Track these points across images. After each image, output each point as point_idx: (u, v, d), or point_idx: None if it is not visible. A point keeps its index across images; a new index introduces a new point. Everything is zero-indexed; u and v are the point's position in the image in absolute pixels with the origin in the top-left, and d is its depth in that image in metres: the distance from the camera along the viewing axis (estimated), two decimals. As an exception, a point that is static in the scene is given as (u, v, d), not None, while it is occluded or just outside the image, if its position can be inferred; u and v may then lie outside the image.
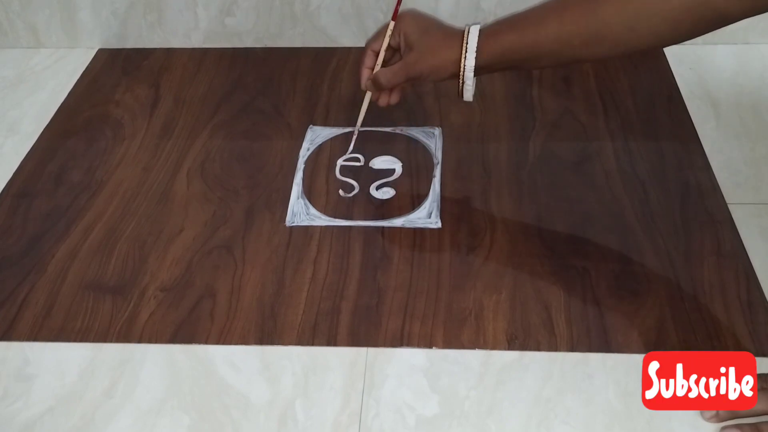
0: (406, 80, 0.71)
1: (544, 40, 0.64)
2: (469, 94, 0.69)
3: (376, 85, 0.72)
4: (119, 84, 0.96)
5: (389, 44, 0.72)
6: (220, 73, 0.97)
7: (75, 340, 0.64)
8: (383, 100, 0.75)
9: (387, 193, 0.77)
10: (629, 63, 0.93)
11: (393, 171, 0.80)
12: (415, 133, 0.85)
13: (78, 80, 0.97)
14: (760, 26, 0.95)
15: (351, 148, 0.81)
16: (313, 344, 0.63)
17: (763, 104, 0.86)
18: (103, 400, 0.60)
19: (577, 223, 0.72)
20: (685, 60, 0.93)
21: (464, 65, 0.66)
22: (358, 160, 0.81)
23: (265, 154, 0.83)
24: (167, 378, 0.61)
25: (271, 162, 0.82)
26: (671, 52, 0.94)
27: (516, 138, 0.83)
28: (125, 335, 0.65)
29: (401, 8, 0.71)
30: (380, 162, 0.81)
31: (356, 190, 0.78)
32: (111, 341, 0.64)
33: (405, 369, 0.61)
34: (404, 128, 0.85)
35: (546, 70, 0.92)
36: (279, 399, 0.59)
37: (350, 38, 1.00)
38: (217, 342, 0.64)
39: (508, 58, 0.66)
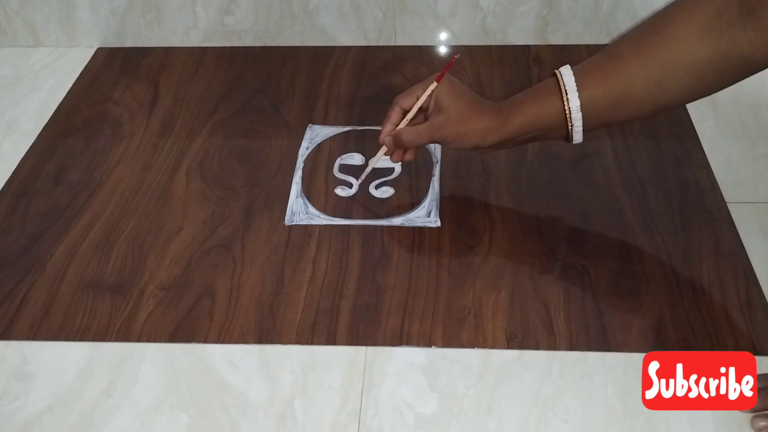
0: (429, 142, 0.68)
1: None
2: (579, 136, 0.65)
3: (396, 142, 0.69)
4: (118, 83, 0.96)
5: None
6: (219, 72, 0.97)
7: (74, 339, 0.64)
8: (396, 156, 0.71)
9: (386, 192, 0.77)
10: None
11: (392, 170, 0.80)
12: (414, 131, 0.85)
13: (77, 79, 0.97)
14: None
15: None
16: (312, 343, 0.63)
17: (763, 103, 0.86)
18: (102, 398, 0.60)
19: (576, 222, 0.72)
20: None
21: (569, 107, 0.62)
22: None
23: (264, 152, 0.83)
24: (166, 377, 0.61)
25: (270, 161, 0.82)
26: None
27: (515, 137, 0.83)
28: (124, 334, 0.65)
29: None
30: (380, 161, 0.81)
31: (355, 189, 0.78)
32: (110, 340, 0.64)
33: (404, 368, 0.61)
34: (403, 127, 0.85)
35: (547, 71, 0.92)
36: (278, 398, 0.59)
37: (349, 37, 1.00)
38: (216, 341, 0.64)
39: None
